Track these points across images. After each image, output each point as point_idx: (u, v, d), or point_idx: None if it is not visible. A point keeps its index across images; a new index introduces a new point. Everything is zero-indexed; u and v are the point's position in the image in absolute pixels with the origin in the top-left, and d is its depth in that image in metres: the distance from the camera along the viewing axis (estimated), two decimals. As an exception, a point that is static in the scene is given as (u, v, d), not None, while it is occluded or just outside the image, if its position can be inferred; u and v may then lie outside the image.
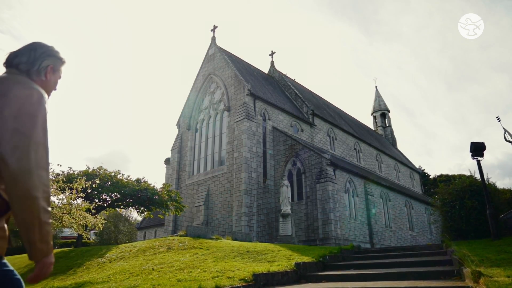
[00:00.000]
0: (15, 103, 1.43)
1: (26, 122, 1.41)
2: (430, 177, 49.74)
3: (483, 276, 3.96)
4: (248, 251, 7.65)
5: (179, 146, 25.64)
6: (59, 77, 1.80)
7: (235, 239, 11.19)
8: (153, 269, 6.10)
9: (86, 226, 10.87)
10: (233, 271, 5.49)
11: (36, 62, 1.67)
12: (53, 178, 10.92)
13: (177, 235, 10.25)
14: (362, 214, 21.34)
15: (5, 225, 1.51)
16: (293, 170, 21.03)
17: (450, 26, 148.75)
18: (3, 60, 1.66)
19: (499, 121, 9.58)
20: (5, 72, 1.63)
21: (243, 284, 4.83)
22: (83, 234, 9.58)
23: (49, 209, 1.43)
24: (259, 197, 20.40)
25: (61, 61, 1.79)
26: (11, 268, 1.59)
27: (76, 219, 8.46)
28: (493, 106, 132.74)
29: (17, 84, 1.50)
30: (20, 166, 1.35)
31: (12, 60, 1.65)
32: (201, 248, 7.81)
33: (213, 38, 26.89)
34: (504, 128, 9.58)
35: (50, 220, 1.43)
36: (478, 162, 8.84)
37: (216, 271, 5.54)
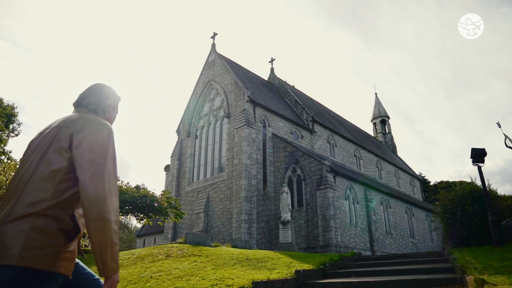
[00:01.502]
0: (91, 137, 1.67)
1: (100, 154, 1.65)
2: (431, 183, 49.64)
3: (486, 284, 3.89)
4: (247, 259, 7.55)
5: (179, 153, 25.58)
6: (117, 113, 2.11)
7: (235, 246, 11.09)
8: (151, 276, 6.02)
9: (84, 233, 10.72)
10: (232, 279, 5.41)
11: (102, 102, 1.97)
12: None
13: (176, 242, 10.15)
14: (362, 221, 21.21)
15: (75, 248, 1.71)
16: (293, 177, 20.95)
17: (448, 33, 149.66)
18: (74, 100, 1.98)
19: (500, 127, 9.53)
20: (75, 111, 1.92)
21: (243, 292, 4.75)
22: (81, 241, 9.47)
23: (119, 231, 1.64)
24: (259, 204, 20.29)
25: (119, 99, 2.10)
26: (93, 272, 1.91)
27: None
28: (493, 112, 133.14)
29: (90, 121, 1.76)
30: (96, 192, 1.56)
31: (82, 101, 1.95)
32: (200, 255, 7.71)
33: (213, 45, 26.99)
34: (504, 134, 9.53)
35: (118, 242, 1.63)
36: (479, 168, 8.77)
37: (215, 279, 5.46)
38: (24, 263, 1.45)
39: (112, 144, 1.74)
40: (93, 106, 1.93)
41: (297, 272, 6.43)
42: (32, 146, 1.77)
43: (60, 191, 1.61)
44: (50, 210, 1.56)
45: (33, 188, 1.59)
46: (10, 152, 26.63)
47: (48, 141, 1.71)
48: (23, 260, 1.45)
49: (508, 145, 9.32)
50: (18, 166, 1.78)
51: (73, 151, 1.65)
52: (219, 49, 27.04)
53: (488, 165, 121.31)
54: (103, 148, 1.67)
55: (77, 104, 1.95)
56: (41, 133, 1.81)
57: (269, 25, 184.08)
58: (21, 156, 1.83)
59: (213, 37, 27.16)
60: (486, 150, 8.75)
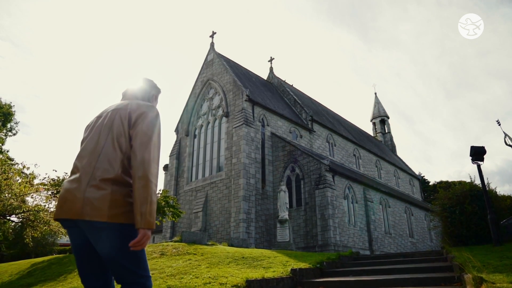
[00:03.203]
0: (144, 114, 2.05)
1: (150, 127, 2.01)
2: (430, 183, 49.52)
3: (485, 282, 3.79)
4: (243, 257, 7.44)
5: (177, 152, 25.47)
6: (157, 103, 2.49)
7: (232, 245, 10.98)
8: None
9: None
10: (226, 277, 5.30)
11: (147, 92, 2.37)
12: (47, 183, 10.71)
13: (171, 241, 10.04)
14: (361, 220, 21.11)
15: None
16: (292, 176, 20.85)
17: (448, 33, 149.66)
18: (123, 90, 2.37)
19: (499, 124, 9.42)
20: (124, 99, 2.30)
21: (236, 291, 4.64)
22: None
23: (157, 192, 2.11)
24: (257, 203, 20.19)
25: (160, 91, 2.50)
26: None
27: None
28: (492, 112, 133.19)
29: (143, 104, 2.15)
30: (143, 156, 1.90)
31: (131, 91, 2.34)
32: (195, 254, 7.60)
33: (212, 44, 26.88)
34: (504, 132, 9.41)
35: (156, 201, 1.91)
36: (478, 166, 8.67)
37: (209, 277, 5.35)
38: (114, 219, 1.83)
39: (159, 123, 2.10)
40: (141, 95, 2.31)
41: (293, 270, 6.33)
42: (95, 127, 2.14)
43: (126, 159, 1.98)
44: (122, 175, 1.93)
45: (106, 158, 1.95)
46: (7, 151, 26.56)
47: (110, 121, 2.07)
48: (113, 217, 1.83)
49: (508, 143, 9.22)
50: (84, 143, 2.12)
51: (131, 126, 2.02)
52: (218, 48, 26.97)
53: (487, 165, 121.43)
54: (152, 124, 2.03)
55: (127, 93, 2.34)
56: (99, 117, 2.20)
57: (269, 25, 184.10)
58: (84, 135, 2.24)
59: (212, 36, 27.05)
60: (485, 148, 8.65)
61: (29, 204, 7.69)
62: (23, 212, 7.56)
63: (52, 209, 8.15)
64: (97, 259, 1.99)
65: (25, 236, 8.49)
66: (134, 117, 2.04)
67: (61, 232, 8.03)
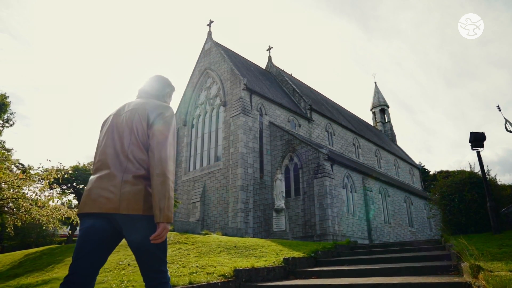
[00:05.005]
0: (161, 115, 2.15)
1: (166, 127, 2.12)
2: (430, 173, 49.35)
3: (482, 271, 3.58)
4: (235, 246, 7.25)
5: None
6: (171, 100, 2.58)
7: (226, 234, 10.80)
8: (129, 264, 5.70)
9: (74, 221, 10.34)
10: (215, 267, 5.11)
11: (162, 90, 2.45)
12: (41, 173, 10.50)
13: (163, 230, 9.85)
14: (360, 210, 20.96)
15: None
16: (290, 166, 20.64)
17: (449, 22, 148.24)
18: (140, 88, 2.46)
19: (500, 110, 9.15)
20: (140, 97, 2.40)
21: (222, 280, 4.42)
22: (58, 227, 9.16)
23: (173, 187, 2.11)
24: (255, 193, 20.01)
25: (174, 89, 2.58)
26: None
27: (49, 212, 8.05)
28: (493, 102, 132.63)
29: (159, 104, 2.25)
30: (160, 155, 2.01)
31: (146, 89, 2.44)
32: (186, 243, 7.41)
33: (209, 33, 26.46)
34: (505, 118, 9.14)
35: (173, 196, 2.03)
36: (478, 153, 8.43)
37: (196, 266, 5.15)
38: (147, 212, 1.98)
39: (174, 122, 2.21)
40: (156, 92, 2.41)
41: (285, 260, 6.14)
42: (115, 126, 2.21)
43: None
44: (148, 172, 2.04)
45: (133, 157, 2.07)
46: (4, 142, 26.35)
47: (130, 121, 2.16)
48: (147, 210, 1.98)
49: (508, 129, 8.97)
50: (105, 141, 2.19)
51: (149, 125, 2.12)
52: (216, 38, 26.63)
53: (488, 154, 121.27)
54: (168, 123, 2.14)
55: (143, 91, 2.43)
56: (117, 115, 2.27)
57: (268, 13, 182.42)
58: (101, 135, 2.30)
59: (209, 25, 26.62)
60: (485, 134, 8.41)
61: (5, 192, 7.48)
62: (1, 199, 7.37)
63: (35, 197, 7.95)
64: (107, 251, 2.09)
65: (7, 226, 8.29)
66: (152, 117, 2.14)
67: (42, 221, 7.88)
